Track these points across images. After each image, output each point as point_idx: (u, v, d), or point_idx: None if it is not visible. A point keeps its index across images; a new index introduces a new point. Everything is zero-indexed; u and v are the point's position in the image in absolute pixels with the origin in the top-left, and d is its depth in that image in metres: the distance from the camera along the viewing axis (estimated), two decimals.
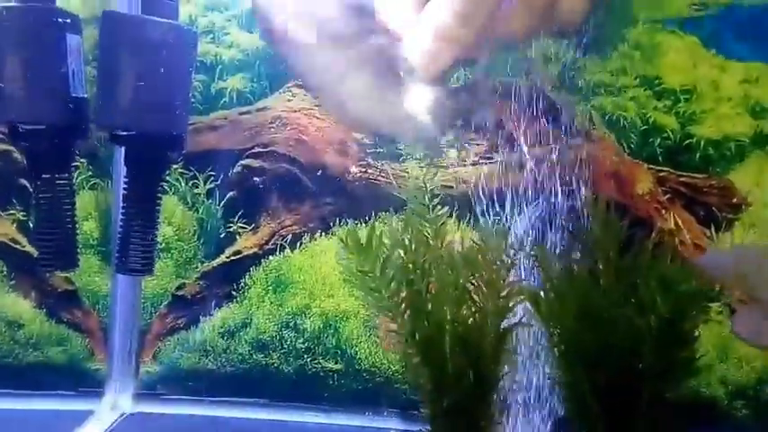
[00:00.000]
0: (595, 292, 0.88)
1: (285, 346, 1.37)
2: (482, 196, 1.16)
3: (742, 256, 0.97)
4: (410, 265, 0.92)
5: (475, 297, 0.93)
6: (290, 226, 1.37)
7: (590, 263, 0.93)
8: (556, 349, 0.93)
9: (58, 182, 1.14)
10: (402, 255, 0.92)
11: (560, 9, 0.55)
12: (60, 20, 1.07)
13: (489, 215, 1.13)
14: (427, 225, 0.94)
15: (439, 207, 0.94)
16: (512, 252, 0.95)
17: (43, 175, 1.14)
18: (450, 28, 0.52)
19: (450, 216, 1.23)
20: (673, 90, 1.30)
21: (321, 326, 1.37)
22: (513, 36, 0.56)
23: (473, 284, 0.93)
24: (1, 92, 1.06)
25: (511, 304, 0.93)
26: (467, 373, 0.95)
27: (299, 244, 1.37)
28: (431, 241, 0.94)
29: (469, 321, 0.93)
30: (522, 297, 0.93)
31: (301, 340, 1.37)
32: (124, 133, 1.13)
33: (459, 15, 0.51)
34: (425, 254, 0.93)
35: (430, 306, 0.93)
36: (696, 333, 0.89)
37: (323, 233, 1.36)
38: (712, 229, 1.30)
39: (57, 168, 1.14)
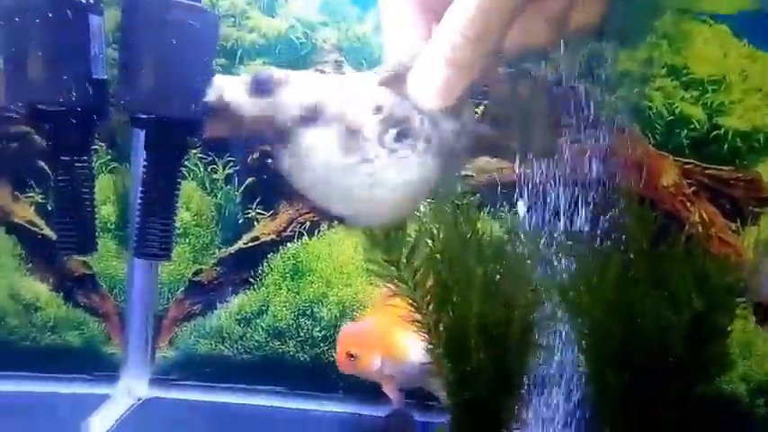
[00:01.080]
0: (627, 284, 0.86)
1: (302, 335, 1.36)
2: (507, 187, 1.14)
3: None
4: (437, 255, 0.90)
5: (503, 289, 0.92)
6: (308, 213, 1.36)
7: (622, 255, 0.91)
8: (583, 342, 0.92)
9: (77, 164, 1.14)
10: (430, 243, 0.91)
11: (575, 15, 0.52)
12: (83, 1, 1.06)
13: (516, 206, 1.11)
14: (458, 212, 0.92)
15: (469, 194, 0.92)
16: (540, 243, 0.93)
17: (63, 158, 1.13)
18: (462, 53, 0.49)
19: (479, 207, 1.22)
20: (701, 80, 1.27)
21: (338, 314, 1.35)
22: (529, 49, 0.54)
23: (501, 276, 0.92)
24: (23, 73, 1.06)
25: (540, 298, 0.92)
26: (489, 366, 0.94)
27: (317, 231, 1.36)
28: (461, 229, 0.93)
29: (496, 314, 0.92)
30: (551, 290, 0.91)
31: (318, 328, 1.36)
32: (144, 116, 1.12)
33: (470, 39, 0.49)
34: (454, 243, 0.92)
35: (455, 298, 0.93)
36: (729, 328, 0.87)
37: (340, 222, 1.35)
38: (738, 222, 1.29)
39: (77, 151, 1.13)
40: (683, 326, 0.84)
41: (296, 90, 0.54)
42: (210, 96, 0.55)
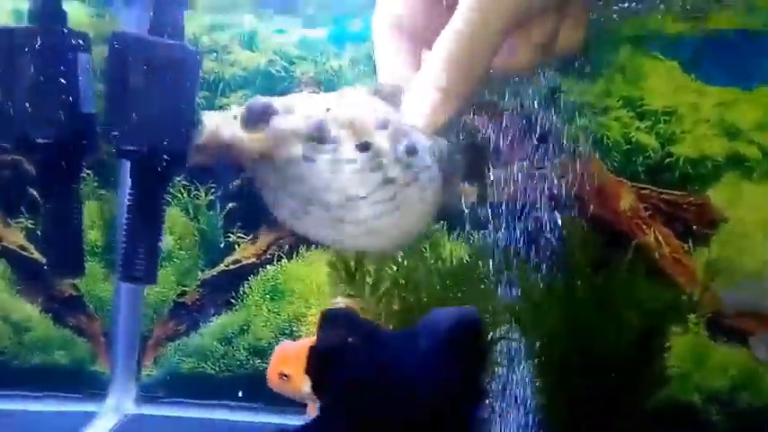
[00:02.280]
0: (571, 306, 0.94)
1: None
2: (472, 212, 1.21)
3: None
4: (402, 281, 0.97)
5: None
6: (286, 236, 1.42)
7: (568, 278, 0.99)
8: (536, 360, 0.99)
9: (66, 192, 1.20)
10: (395, 269, 0.98)
11: (559, 40, 0.55)
12: (72, 40, 1.13)
13: (478, 230, 1.18)
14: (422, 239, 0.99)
15: (434, 221, 0.99)
16: (496, 268, 1.00)
17: (52, 186, 1.20)
18: (453, 81, 0.51)
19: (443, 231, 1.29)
20: (654, 111, 1.36)
21: None
22: (514, 73, 0.57)
23: (461, 298, 0.99)
24: (15, 107, 1.12)
25: (495, 319, 0.99)
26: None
27: (295, 254, 1.42)
28: (425, 255, 1.00)
29: None
30: (505, 312, 0.99)
31: None
32: (131, 148, 1.19)
33: (460, 68, 0.51)
34: (417, 269, 0.99)
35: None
36: (666, 345, 0.95)
37: (318, 244, 1.41)
38: (690, 243, 1.37)
39: (66, 180, 1.19)
40: (624, 343, 0.92)
41: (294, 116, 0.52)
42: (206, 137, 0.52)
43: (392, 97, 0.53)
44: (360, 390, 0.64)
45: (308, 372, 0.69)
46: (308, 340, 1.17)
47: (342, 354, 0.65)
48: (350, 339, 0.66)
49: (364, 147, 0.51)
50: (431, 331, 0.66)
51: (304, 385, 1.11)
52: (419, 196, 0.52)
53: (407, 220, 0.52)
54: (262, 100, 0.52)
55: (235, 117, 0.52)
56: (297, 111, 0.52)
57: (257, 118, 0.51)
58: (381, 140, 0.51)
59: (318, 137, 0.51)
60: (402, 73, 0.55)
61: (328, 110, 0.52)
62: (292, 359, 1.13)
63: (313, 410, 1.16)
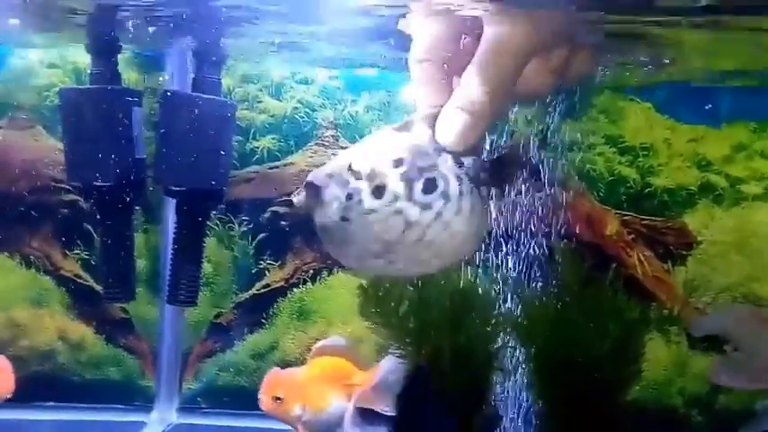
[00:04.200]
0: (562, 319, 1.09)
1: None
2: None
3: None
4: (417, 299, 1.13)
5: (469, 325, 1.14)
6: (311, 262, 1.56)
7: (559, 295, 1.14)
8: (532, 364, 1.14)
9: (120, 227, 1.35)
10: (410, 289, 1.13)
11: (574, 65, 0.59)
12: (128, 98, 1.29)
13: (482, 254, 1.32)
14: None
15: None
16: (498, 288, 1.16)
17: (109, 222, 1.34)
18: (482, 105, 0.55)
19: None
20: (633, 147, 1.51)
21: None
22: (533, 96, 0.62)
23: (468, 315, 1.14)
24: (78, 155, 1.27)
25: (498, 331, 1.14)
26: (461, 386, 1.15)
27: (318, 278, 1.57)
28: (436, 276, 1.13)
29: (464, 345, 1.13)
30: (505, 325, 1.14)
31: None
32: (176, 188, 1.34)
33: (489, 93, 0.55)
34: (430, 289, 1.14)
35: (432, 333, 1.14)
36: (642, 351, 1.09)
37: (339, 269, 1.55)
38: (669, 263, 1.51)
39: (120, 216, 1.34)
40: (606, 349, 1.07)
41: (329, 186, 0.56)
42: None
43: (429, 122, 0.57)
44: None
45: None
46: (299, 369, 1.27)
47: None
48: None
49: (379, 191, 0.55)
50: None
51: (294, 408, 1.22)
52: (448, 232, 0.55)
53: (448, 248, 0.55)
54: (312, 177, 0.58)
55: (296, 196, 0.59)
56: (332, 175, 0.58)
57: (312, 196, 0.58)
58: (395, 182, 0.55)
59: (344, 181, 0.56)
60: (434, 102, 0.60)
61: (350, 168, 0.58)
62: (285, 384, 1.23)
63: None
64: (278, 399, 1.22)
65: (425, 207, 0.55)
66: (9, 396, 1.25)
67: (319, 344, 1.30)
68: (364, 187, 0.56)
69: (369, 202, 0.56)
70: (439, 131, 0.57)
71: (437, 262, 0.58)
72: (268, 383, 1.21)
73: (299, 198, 0.60)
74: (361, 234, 0.56)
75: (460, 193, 0.56)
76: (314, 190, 0.58)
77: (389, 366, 1.21)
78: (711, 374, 1.17)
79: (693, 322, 1.28)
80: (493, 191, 0.61)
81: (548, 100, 1.36)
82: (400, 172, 0.55)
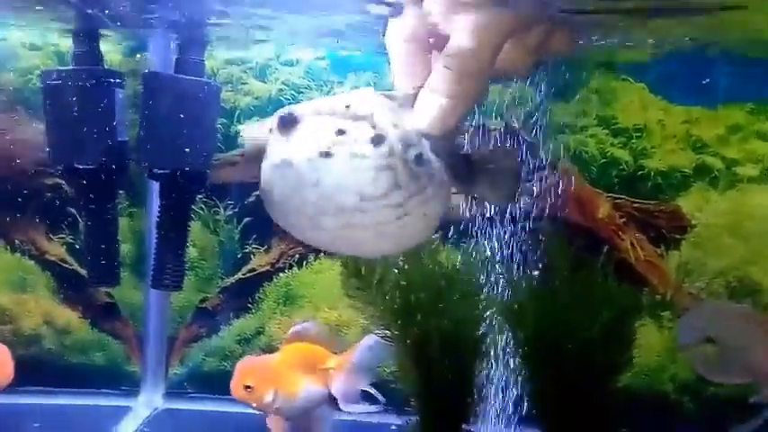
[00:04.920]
0: (551, 303, 1.07)
1: None
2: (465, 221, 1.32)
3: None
4: (403, 282, 1.11)
5: (455, 308, 1.12)
6: (297, 247, 1.54)
7: (549, 279, 1.12)
8: (521, 350, 1.12)
9: (104, 211, 1.33)
10: (397, 272, 1.11)
11: (551, 44, 0.58)
12: (111, 79, 1.27)
13: (470, 238, 1.30)
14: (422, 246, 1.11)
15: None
16: (485, 271, 1.14)
17: (92, 206, 1.33)
18: (460, 87, 0.53)
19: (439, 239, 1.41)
20: (626, 129, 1.48)
21: None
22: (512, 75, 0.60)
23: (454, 298, 1.12)
24: (61, 138, 1.25)
25: (484, 315, 1.12)
26: (448, 371, 1.14)
27: (305, 263, 1.55)
28: (424, 262, 1.12)
29: (452, 329, 1.12)
30: (492, 309, 1.12)
31: None
32: (160, 171, 1.32)
33: (467, 75, 0.53)
34: (416, 271, 1.12)
35: (419, 316, 1.12)
36: (633, 336, 1.07)
37: (325, 253, 1.52)
38: (662, 247, 1.48)
39: (103, 200, 1.33)
40: (596, 335, 1.05)
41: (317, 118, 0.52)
42: (247, 146, 0.56)
43: (405, 104, 0.55)
44: None
45: None
46: (271, 356, 1.26)
47: None
48: None
49: (378, 140, 0.51)
50: None
51: (266, 396, 1.20)
52: (423, 209, 0.52)
53: (411, 229, 0.53)
54: (290, 108, 0.53)
55: (270, 130, 0.55)
56: (320, 112, 0.53)
57: (286, 125, 0.52)
58: (396, 138, 0.51)
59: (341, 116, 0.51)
60: (415, 81, 0.58)
61: (348, 107, 0.53)
62: (256, 372, 1.21)
63: (272, 421, 1.24)
64: (248, 387, 1.21)
65: (414, 177, 0.52)
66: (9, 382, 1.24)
67: (292, 329, 1.28)
68: (363, 129, 0.52)
69: (364, 146, 0.51)
70: (416, 114, 0.55)
71: (397, 241, 0.55)
72: (239, 372, 1.19)
73: (264, 129, 0.55)
74: (338, 178, 0.51)
75: (440, 178, 0.54)
76: (289, 122, 0.53)
77: (367, 344, 1.20)
78: (694, 366, 1.16)
79: (680, 333, 1.24)
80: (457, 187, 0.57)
81: (533, 79, 1.34)
82: (399, 132, 0.52)
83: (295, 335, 1.27)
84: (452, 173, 0.55)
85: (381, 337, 1.14)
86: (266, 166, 0.55)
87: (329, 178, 0.52)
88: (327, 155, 0.51)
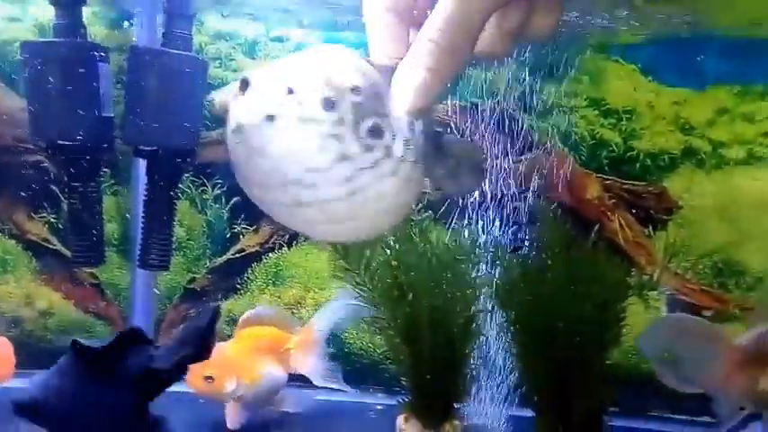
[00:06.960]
0: (543, 282, 1.06)
1: None
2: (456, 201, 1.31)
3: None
4: (394, 262, 1.09)
5: (446, 288, 1.11)
6: (286, 227, 1.52)
7: (540, 258, 1.11)
8: (511, 329, 1.11)
9: (87, 189, 1.29)
10: (387, 252, 1.09)
11: (533, 25, 0.56)
12: (93, 52, 1.22)
13: (462, 218, 1.29)
14: (412, 226, 1.09)
15: (423, 210, 1.10)
16: (476, 251, 1.12)
17: (75, 184, 1.28)
18: (438, 59, 0.52)
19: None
20: (616, 110, 1.47)
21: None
22: (490, 56, 0.58)
23: (445, 277, 1.11)
24: (44, 113, 1.21)
25: (475, 294, 1.11)
26: (439, 351, 1.12)
27: (294, 243, 1.53)
28: (414, 241, 1.10)
29: (442, 309, 1.10)
30: (483, 288, 1.11)
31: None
32: (146, 148, 1.28)
33: (444, 47, 0.52)
34: (407, 251, 1.10)
35: (410, 296, 1.11)
36: (622, 314, 1.07)
37: None
38: (650, 228, 1.49)
39: (87, 177, 1.29)
40: (587, 312, 1.04)
41: (271, 77, 0.47)
42: (215, 109, 0.52)
43: (383, 74, 0.52)
44: None
45: None
46: (226, 345, 1.23)
47: None
48: None
49: (329, 104, 0.46)
50: None
51: (227, 385, 1.19)
52: (378, 187, 0.48)
53: (366, 211, 0.48)
54: (251, 71, 0.48)
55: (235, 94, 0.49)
56: (277, 70, 0.48)
57: (243, 88, 0.48)
58: (348, 106, 0.47)
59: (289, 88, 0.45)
60: (393, 53, 0.56)
61: (300, 68, 0.48)
62: (214, 362, 1.11)
63: (232, 409, 1.22)
64: (209, 378, 1.18)
65: (367, 148, 0.47)
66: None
67: (244, 315, 1.26)
68: (313, 91, 0.46)
69: (313, 109, 0.46)
70: (393, 87, 0.52)
71: (352, 224, 0.49)
72: (195, 365, 1.09)
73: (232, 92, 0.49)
74: (283, 144, 0.46)
75: (403, 155, 0.49)
76: (246, 83, 0.48)
77: (325, 314, 1.19)
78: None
79: (642, 348, 1.24)
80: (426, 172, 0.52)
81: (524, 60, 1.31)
82: (354, 99, 0.47)
83: (245, 321, 1.25)
84: (422, 153, 0.51)
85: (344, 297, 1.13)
86: (228, 133, 0.50)
87: (274, 145, 0.46)
88: (272, 118, 0.46)
